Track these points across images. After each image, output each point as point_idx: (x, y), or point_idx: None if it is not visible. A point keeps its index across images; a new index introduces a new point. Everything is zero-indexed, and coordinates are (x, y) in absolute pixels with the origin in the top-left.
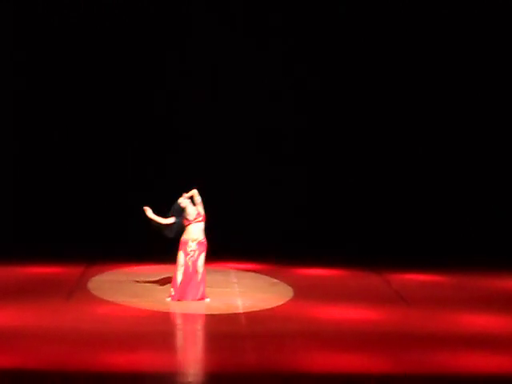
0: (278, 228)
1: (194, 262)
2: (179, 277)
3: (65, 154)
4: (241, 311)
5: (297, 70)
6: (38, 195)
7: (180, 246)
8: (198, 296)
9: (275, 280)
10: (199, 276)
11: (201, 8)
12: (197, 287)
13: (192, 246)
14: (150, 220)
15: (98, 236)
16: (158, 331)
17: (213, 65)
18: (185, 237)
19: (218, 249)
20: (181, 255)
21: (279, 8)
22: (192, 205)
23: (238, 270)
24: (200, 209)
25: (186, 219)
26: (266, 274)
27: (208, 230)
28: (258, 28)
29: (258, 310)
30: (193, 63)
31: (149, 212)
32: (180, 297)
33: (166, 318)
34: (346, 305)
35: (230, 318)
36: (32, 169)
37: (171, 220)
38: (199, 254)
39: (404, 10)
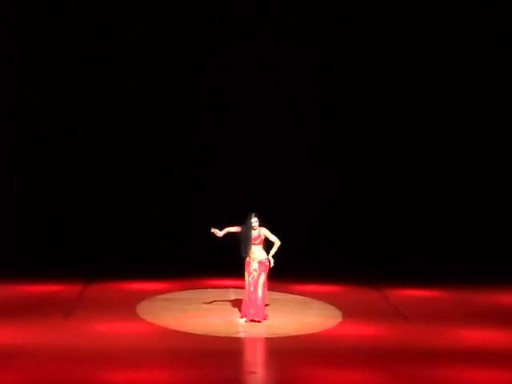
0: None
1: (255, 282)
2: (245, 298)
3: (63, 172)
4: (241, 329)
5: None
6: (37, 213)
7: (245, 266)
8: (259, 317)
9: (274, 296)
10: (259, 296)
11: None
12: (258, 308)
13: (254, 264)
14: (225, 235)
15: (96, 253)
16: (162, 348)
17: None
18: (249, 257)
19: (216, 265)
20: (246, 275)
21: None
22: (257, 227)
23: (236, 287)
24: (263, 233)
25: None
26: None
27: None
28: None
29: (256, 325)
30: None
31: (219, 233)
32: (247, 315)
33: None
34: (345, 320)
35: (230, 338)
36: (31, 185)
37: (239, 229)
38: (259, 274)
39: (410, 13)
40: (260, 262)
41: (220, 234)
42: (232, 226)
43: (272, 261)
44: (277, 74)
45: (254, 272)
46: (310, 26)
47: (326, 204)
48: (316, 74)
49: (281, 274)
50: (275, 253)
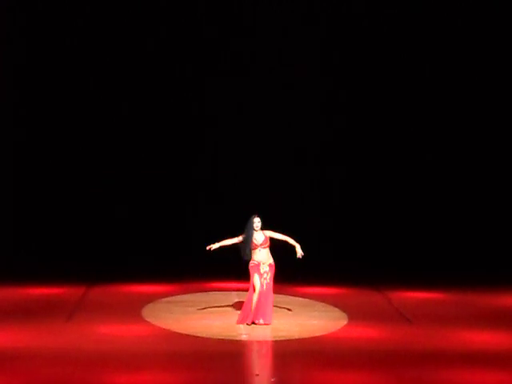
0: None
1: (268, 284)
2: (255, 299)
3: (64, 173)
4: (243, 331)
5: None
6: (39, 215)
7: (252, 269)
8: (270, 319)
9: (278, 299)
10: (271, 299)
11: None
12: (271, 310)
13: (264, 267)
14: (219, 247)
15: (99, 256)
16: (164, 351)
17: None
18: (255, 260)
19: (219, 268)
20: (256, 278)
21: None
22: (259, 228)
23: (239, 289)
24: (268, 235)
25: (254, 243)
26: None
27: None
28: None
29: (258, 327)
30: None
31: (214, 246)
32: (254, 318)
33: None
34: (348, 323)
35: (232, 340)
36: (32, 187)
37: (237, 239)
38: (271, 277)
39: (411, 13)
40: (270, 265)
41: (215, 246)
42: (230, 238)
43: (300, 251)
44: (277, 74)
45: (266, 274)
46: (311, 25)
47: (329, 206)
48: (316, 74)
49: (284, 276)
50: (295, 243)
